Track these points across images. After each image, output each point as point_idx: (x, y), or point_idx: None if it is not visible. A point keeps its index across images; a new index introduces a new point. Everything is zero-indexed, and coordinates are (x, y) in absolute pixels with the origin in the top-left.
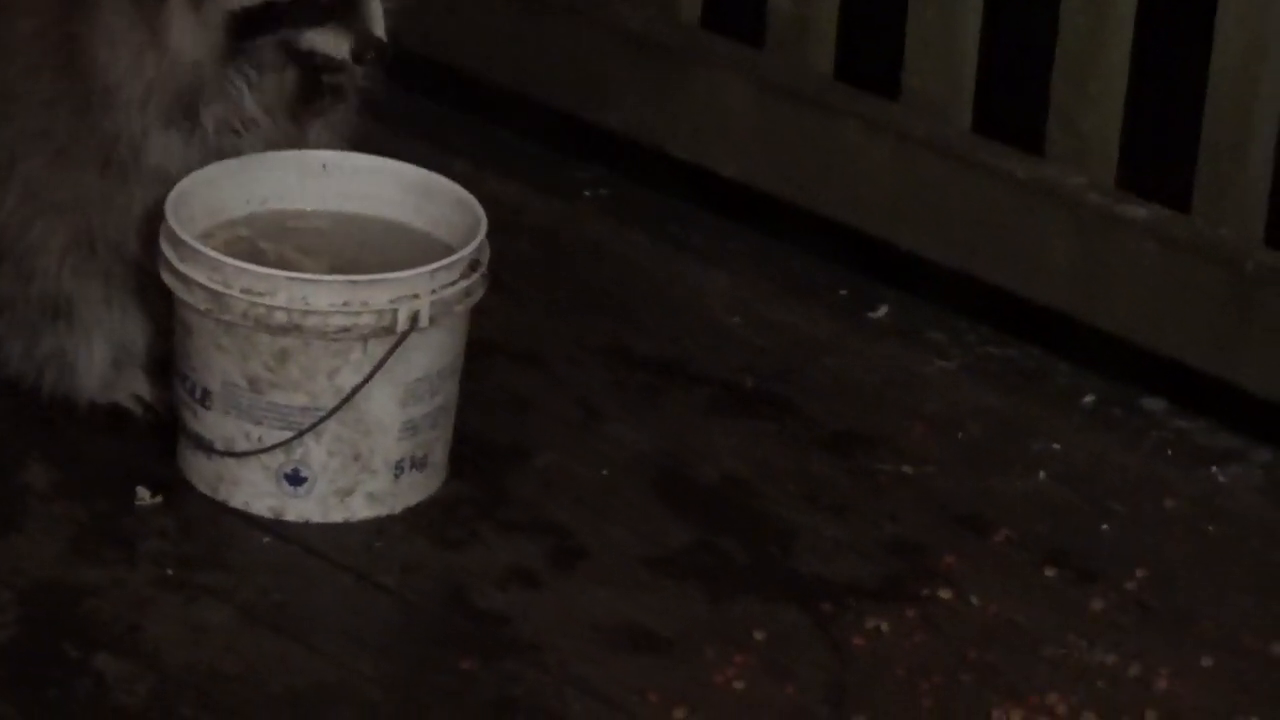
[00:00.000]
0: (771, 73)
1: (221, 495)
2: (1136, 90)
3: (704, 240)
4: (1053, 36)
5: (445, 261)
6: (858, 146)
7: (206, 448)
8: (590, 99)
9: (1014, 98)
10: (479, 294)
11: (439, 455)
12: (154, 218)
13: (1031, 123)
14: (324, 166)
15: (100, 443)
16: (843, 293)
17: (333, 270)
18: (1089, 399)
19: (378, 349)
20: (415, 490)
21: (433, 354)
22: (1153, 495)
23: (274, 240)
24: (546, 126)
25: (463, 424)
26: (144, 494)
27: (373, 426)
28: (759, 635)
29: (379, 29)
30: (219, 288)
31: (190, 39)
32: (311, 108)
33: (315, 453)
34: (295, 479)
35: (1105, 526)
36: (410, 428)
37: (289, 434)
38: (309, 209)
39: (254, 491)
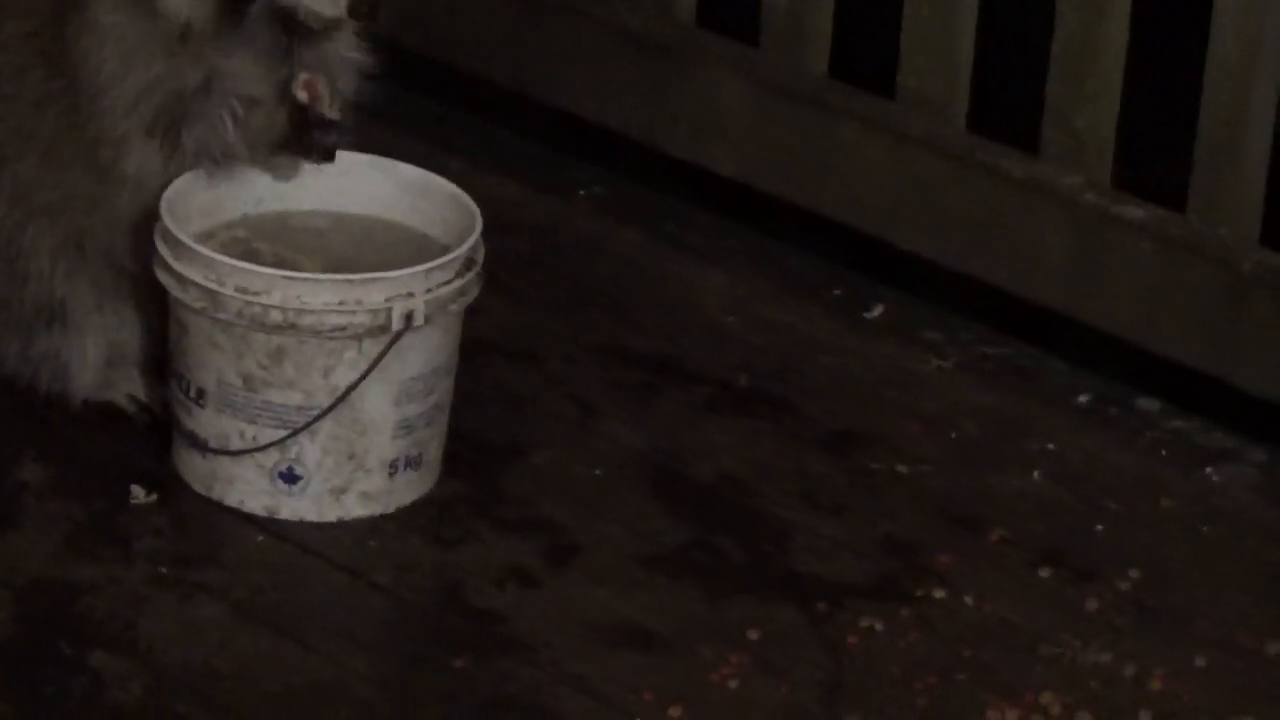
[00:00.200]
0: (768, 72)
1: (216, 494)
2: (1132, 89)
3: (700, 239)
4: (1049, 36)
5: (440, 260)
6: (854, 146)
7: (201, 446)
8: (587, 98)
9: (1010, 97)
10: (474, 293)
11: (434, 454)
12: (139, 223)
13: (1027, 122)
14: (320, 165)
15: (95, 441)
16: (839, 292)
17: (328, 269)
18: (1084, 398)
19: (373, 348)
20: (410, 489)
21: (428, 353)
22: (1148, 495)
23: (269, 240)
24: (543, 125)
25: (458, 422)
26: (139, 492)
27: (367, 425)
28: (754, 634)
29: None
30: (214, 286)
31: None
32: (296, 153)
33: (310, 451)
34: (290, 477)
35: (1100, 526)
36: (405, 426)
37: (284, 432)
38: (305, 208)
39: (249, 490)
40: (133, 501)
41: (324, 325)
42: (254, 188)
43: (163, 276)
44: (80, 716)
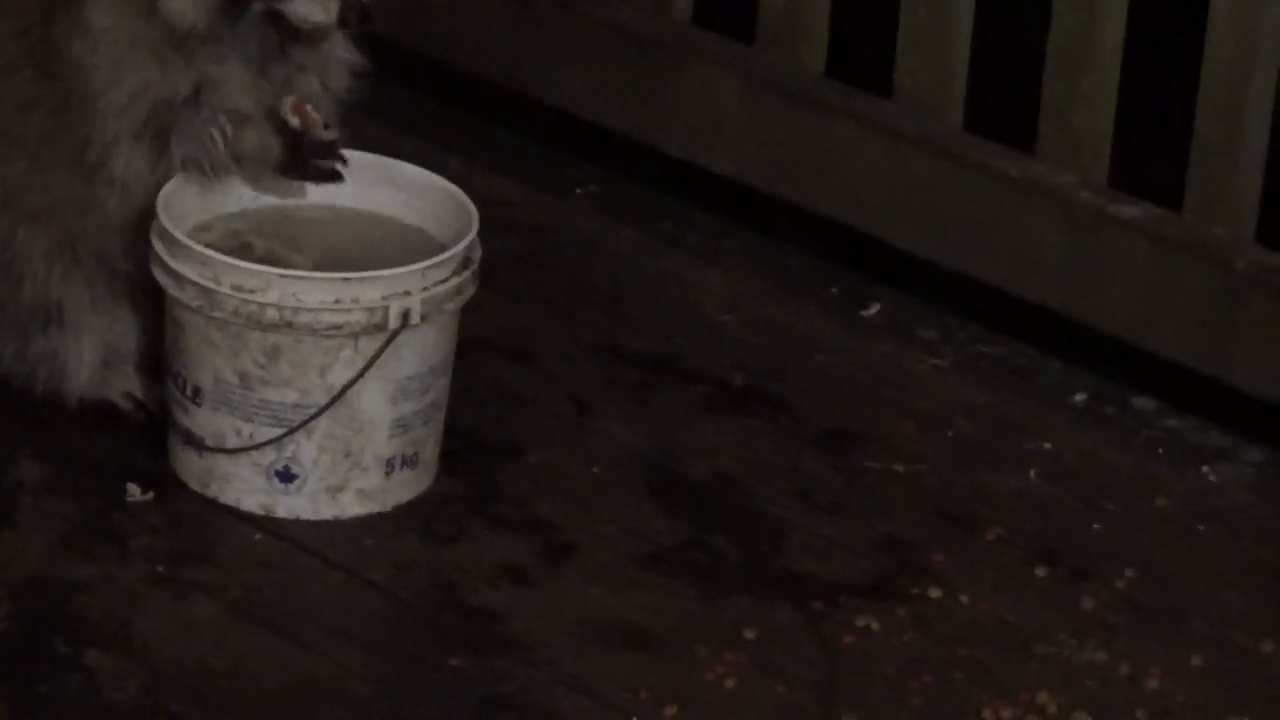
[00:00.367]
0: (764, 71)
1: (212, 492)
2: (1128, 88)
3: (696, 237)
4: (1044, 34)
5: (437, 259)
6: (850, 144)
7: (197, 444)
8: (584, 97)
9: (1006, 95)
10: (470, 291)
11: (430, 452)
12: (129, 225)
13: (1023, 120)
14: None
15: (91, 439)
16: (835, 291)
17: (323, 265)
18: (1080, 397)
19: (369, 346)
20: (406, 487)
21: (424, 351)
22: (1144, 494)
23: (265, 235)
24: (540, 124)
25: (454, 421)
26: (135, 491)
27: (364, 424)
28: (750, 633)
29: None
30: (210, 284)
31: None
32: (298, 178)
33: (306, 450)
34: (286, 476)
35: (1096, 525)
36: (401, 425)
37: (280, 431)
38: (302, 204)
39: (245, 488)
40: (129, 500)
41: (320, 323)
42: (246, 181)
43: (159, 275)
44: (76, 715)
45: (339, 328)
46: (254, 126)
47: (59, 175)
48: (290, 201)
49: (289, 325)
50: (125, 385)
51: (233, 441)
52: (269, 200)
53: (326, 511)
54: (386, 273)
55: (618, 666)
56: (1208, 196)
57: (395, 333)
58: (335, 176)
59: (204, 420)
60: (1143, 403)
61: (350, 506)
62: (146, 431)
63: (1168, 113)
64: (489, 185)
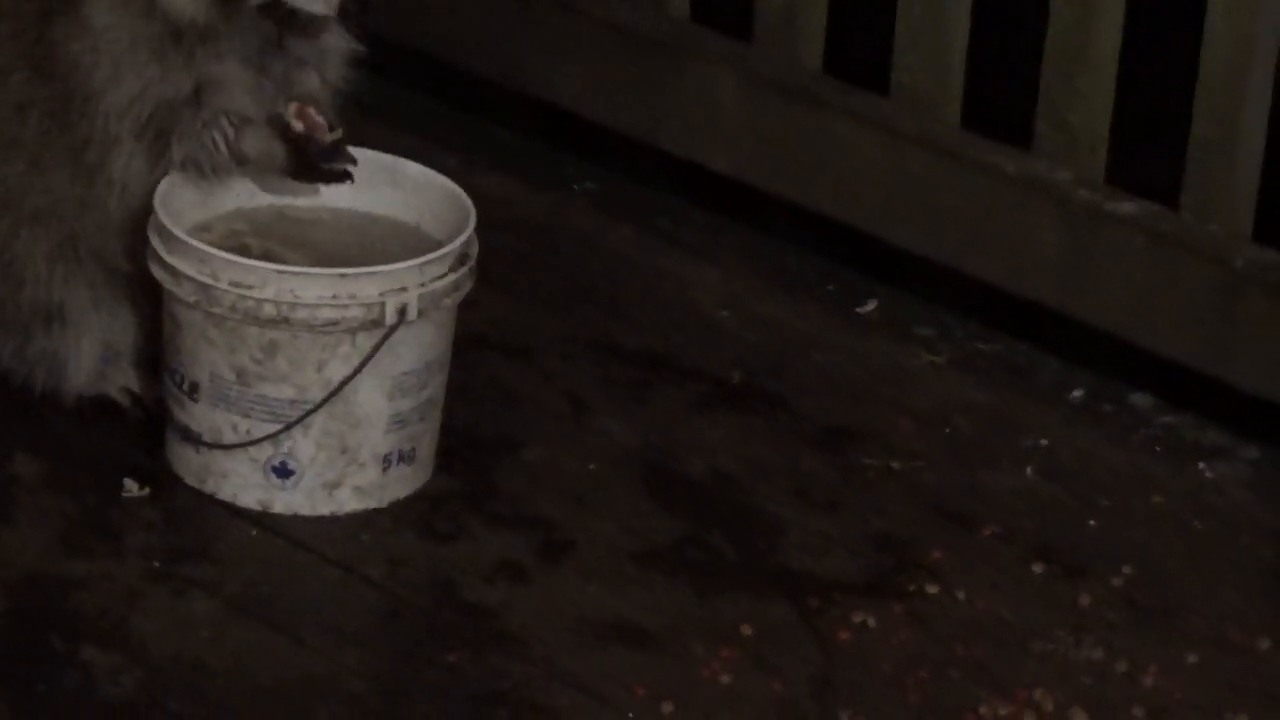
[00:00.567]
0: (761, 68)
1: (209, 488)
2: (1125, 85)
3: (693, 235)
4: (1041, 31)
5: (434, 255)
6: (847, 142)
7: (194, 440)
8: (581, 94)
9: (1003, 93)
10: (467, 288)
11: (427, 449)
12: (129, 225)
13: (1020, 118)
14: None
15: (88, 436)
16: (832, 288)
17: (321, 263)
18: (1077, 394)
19: (366, 342)
20: (403, 483)
21: (421, 347)
22: (1141, 491)
23: (262, 233)
24: (537, 121)
25: (451, 417)
26: (131, 486)
27: (361, 419)
28: (746, 630)
29: None
30: (207, 280)
31: None
32: (307, 181)
33: (303, 446)
34: (283, 472)
35: (1093, 522)
36: (398, 421)
37: (277, 427)
38: (299, 202)
39: (241, 484)
40: (125, 496)
41: (317, 319)
42: (249, 180)
43: (156, 271)
44: (72, 711)
45: (336, 323)
46: (257, 129)
47: (59, 176)
48: (288, 200)
49: (286, 321)
50: (123, 381)
51: (229, 437)
52: (267, 199)
53: (323, 507)
54: (384, 268)
55: (615, 663)
56: (1205, 194)
57: (392, 328)
58: (344, 177)
59: (201, 416)
60: (1140, 400)
61: (347, 502)
62: (144, 427)
63: (1165, 110)
64: (487, 183)
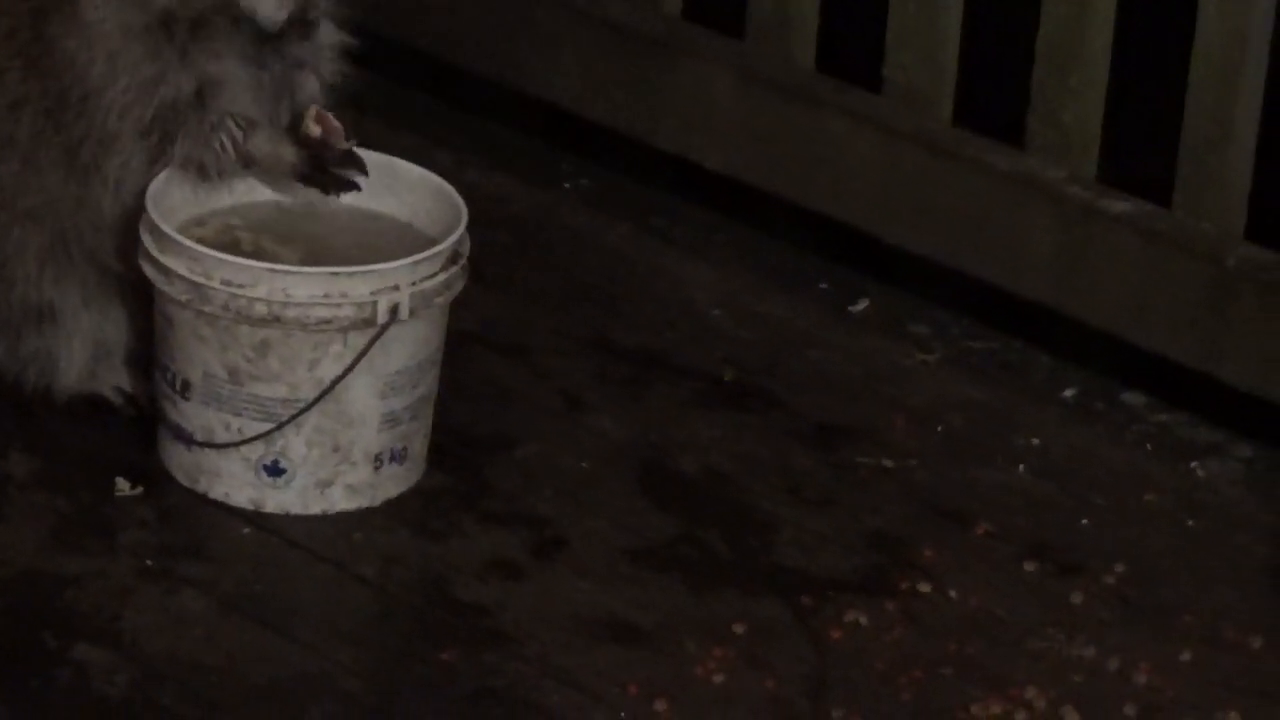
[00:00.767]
0: (755, 65)
1: (201, 486)
2: (1118, 83)
3: (687, 232)
4: (1034, 29)
5: (426, 254)
6: (840, 139)
7: (186, 439)
8: (574, 91)
9: (995, 90)
10: (459, 286)
11: (419, 447)
12: (122, 224)
13: (1013, 115)
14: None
15: (81, 434)
16: (825, 286)
17: (312, 260)
18: (1070, 392)
19: (358, 340)
20: (395, 482)
21: (413, 346)
22: (1133, 489)
23: (255, 229)
24: (530, 118)
25: (444, 415)
26: (124, 485)
27: (353, 418)
28: (739, 628)
29: None
30: (199, 279)
31: None
32: (317, 186)
33: (295, 444)
34: (275, 470)
35: (1086, 520)
36: (390, 419)
37: (269, 425)
38: (293, 199)
39: (234, 483)
40: (118, 494)
41: (309, 318)
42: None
43: (148, 270)
44: (65, 709)
45: (328, 322)
46: (264, 133)
47: (53, 176)
48: (283, 197)
49: (278, 320)
50: (115, 380)
51: (222, 436)
52: (261, 195)
53: (315, 506)
54: (375, 267)
55: (607, 661)
56: (1198, 192)
57: (384, 327)
58: (352, 186)
59: (193, 415)
60: (1132, 398)
61: (339, 501)
62: (136, 426)
63: (1157, 108)
64: (481, 180)
